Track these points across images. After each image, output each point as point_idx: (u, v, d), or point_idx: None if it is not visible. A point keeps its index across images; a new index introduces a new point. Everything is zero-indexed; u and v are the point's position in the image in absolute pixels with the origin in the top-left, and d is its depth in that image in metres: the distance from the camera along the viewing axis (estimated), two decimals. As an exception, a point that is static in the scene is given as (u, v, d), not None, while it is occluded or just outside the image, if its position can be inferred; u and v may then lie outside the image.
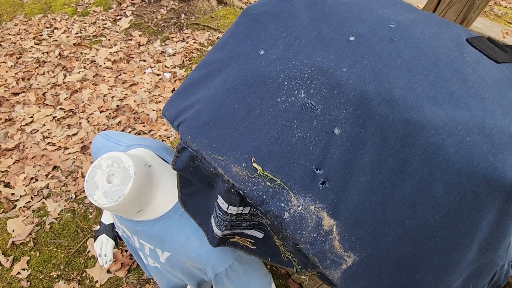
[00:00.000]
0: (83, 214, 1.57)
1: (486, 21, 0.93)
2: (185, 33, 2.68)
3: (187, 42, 2.58)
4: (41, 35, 2.63)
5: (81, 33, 2.66)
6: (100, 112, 2.06)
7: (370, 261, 0.38)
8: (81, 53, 2.47)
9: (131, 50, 2.51)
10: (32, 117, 2.01)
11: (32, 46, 2.51)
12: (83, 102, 2.12)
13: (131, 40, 2.60)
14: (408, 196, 0.35)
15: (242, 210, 0.49)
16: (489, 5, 3.36)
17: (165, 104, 0.52)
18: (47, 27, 2.72)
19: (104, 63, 2.39)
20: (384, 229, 0.37)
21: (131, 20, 2.79)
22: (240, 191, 0.42)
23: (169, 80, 2.28)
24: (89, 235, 1.49)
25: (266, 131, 0.41)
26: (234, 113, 0.42)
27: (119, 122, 1.99)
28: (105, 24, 2.76)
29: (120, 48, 2.53)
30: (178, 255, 0.77)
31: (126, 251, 1.45)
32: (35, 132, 1.92)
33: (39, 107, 2.07)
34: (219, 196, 0.48)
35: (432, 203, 0.34)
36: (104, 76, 2.30)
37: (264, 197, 0.41)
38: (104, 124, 1.98)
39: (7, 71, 2.30)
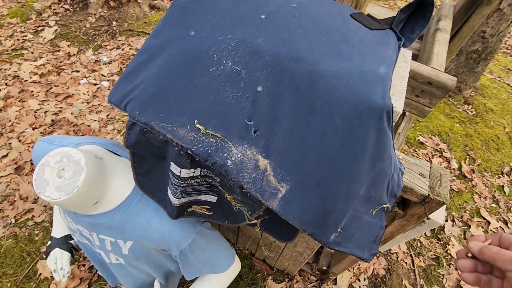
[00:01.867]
0: (28, 237, 1.45)
1: (383, 9, 1.16)
2: (119, 40, 2.60)
3: (122, 49, 2.51)
4: None
5: (-4, 47, 2.40)
6: (33, 129, 1.90)
7: (298, 187, 0.48)
8: (1, 69, 2.24)
9: (60, 62, 2.35)
10: None
11: None
12: (10, 121, 1.93)
13: (58, 51, 2.44)
14: (319, 129, 0.46)
15: (193, 173, 0.56)
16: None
17: (110, 92, 0.57)
18: (-48, 44, 2.40)
19: (30, 77, 2.20)
20: (305, 159, 0.47)
21: (56, 30, 2.60)
22: (189, 151, 0.49)
23: (108, 89, 2.20)
24: (38, 257, 1.39)
25: (205, 96, 0.49)
26: (176, 85, 0.50)
27: (57, 136, 1.86)
28: (25, 36, 2.53)
29: (47, 60, 2.35)
30: (141, 241, 0.80)
31: (84, 265, 1.39)
32: (-47, 160, 1.70)
33: (-46, 132, 1.83)
34: (171, 162, 0.55)
35: (335, 131, 0.46)
36: (32, 91, 2.12)
37: (209, 151, 0.48)
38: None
39: None
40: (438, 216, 1.33)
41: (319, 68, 0.46)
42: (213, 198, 0.66)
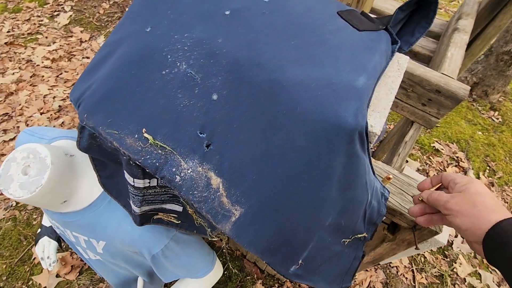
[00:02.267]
0: (26, 221, 1.49)
1: (398, 4, 1.04)
2: (131, 28, 2.59)
3: (133, 37, 2.50)
4: (-34, 35, 2.39)
5: (13, 31, 2.46)
6: (41, 114, 1.94)
7: (254, 211, 0.42)
8: (15, 52, 2.29)
9: (72, 48, 2.38)
10: (-40, 124, 1.84)
11: (-45, 47, 2.27)
12: (20, 104, 1.97)
13: (71, 36, 2.46)
14: (279, 148, 0.40)
15: (149, 183, 0.51)
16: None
17: (72, 89, 0.53)
18: (-27, 26, 2.47)
19: (42, 62, 2.24)
20: (262, 180, 0.41)
21: (71, 15, 2.63)
22: (136, 162, 0.44)
23: (116, 77, 2.20)
24: (33, 242, 1.42)
25: (155, 102, 0.43)
26: (125, 87, 0.44)
27: (62, 123, 1.89)
28: (41, 20, 2.57)
29: (60, 45, 2.38)
30: (113, 242, 0.77)
31: (76, 253, 1.41)
32: (-35, 140, 1.76)
33: (-32, 113, 1.90)
34: (124, 171, 0.50)
35: (297, 151, 0.39)
36: (43, 76, 2.16)
37: (157, 164, 0.43)
38: (46, 126, 1.87)
39: None
40: (442, 235, 1.22)
41: (282, 76, 0.40)
42: (178, 208, 0.61)
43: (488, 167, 2.00)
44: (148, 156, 0.43)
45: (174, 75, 0.43)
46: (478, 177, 1.92)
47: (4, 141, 1.78)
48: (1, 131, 1.83)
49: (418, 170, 1.90)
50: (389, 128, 2.11)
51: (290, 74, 0.40)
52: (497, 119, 2.31)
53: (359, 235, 0.49)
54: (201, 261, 0.83)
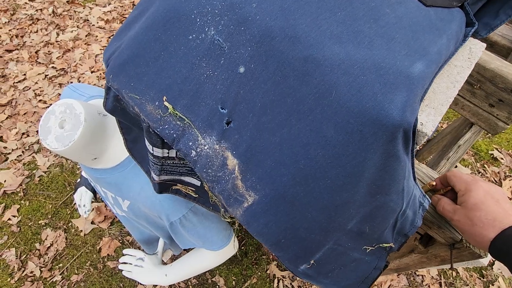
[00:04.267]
0: (71, 169, 1.63)
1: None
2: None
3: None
4: (35, -9, 2.57)
5: (75, -10, 2.58)
6: (91, 72, 2.06)
7: (268, 200, 0.39)
8: (75, 11, 2.43)
9: (125, 10, 2.44)
10: (24, 74, 2.03)
11: (26, 3, 2.46)
12: (75, 61, 2.11)
13: (125, -1, 2.53)
14: (303, 136, 0.35)
15: (168, 153, 0.50)
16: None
17: (105, 48, 0.52)
18: (42, -17, 2.65)
19: (97, 22, 2.34)
20: (280, 169, 0.37)
21: (127, -22, 2.68)
22: (155, 130, 0.42)
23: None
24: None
25: (178, 69, 0.40)
26: (150, 51, 0.42)
27: (109, 83, 1.99)
28: (100, -19, 2.66)
29: (114, 7, 2.46)
30: (137, 203, 0.80)
31: (110, 205, 1.52)
32: (27, 90, 1.95)
33: (32, 65, 2.08)
34: (144, 138, 0.49)
35: (323, 143, 0.34)
36: (97, 36, 2.26)
37: (175, 135, 0.41)
38: (95, 84, 1.99)
39: (1, 28, 2.28)
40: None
41: (318, 54, 0.34)
42: (196, 182, 0.60)
43: (556, 187, 1.72)
44: (166, 126, 0.41)
45: (201, 41, 0.39)
46: (541, 196, 1.67)
47: (59, 94, 1.93)
48: (57, 84, 1.99)
49: (467, 177, 1.70)
50: (441, 126, 1.89)
51: (329, 52, 0.34)
52: None
53: (385, 245, 0.44)
54: (217, 235, 0.84)
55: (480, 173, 1.73)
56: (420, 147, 1.76)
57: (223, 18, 0.38)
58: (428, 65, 0.34)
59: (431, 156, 1.54)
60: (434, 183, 0.55)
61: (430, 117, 0.34)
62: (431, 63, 0.35)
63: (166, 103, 0.41)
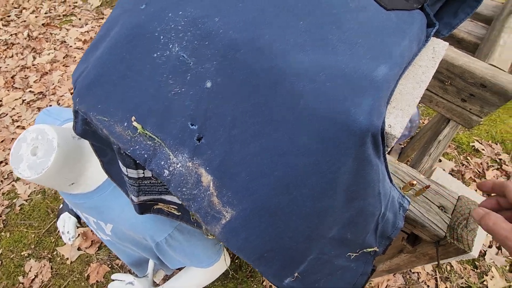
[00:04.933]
0: (54, 195, 1.57)
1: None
2: (158, 10, 2.58)
3: (160, 20, 2.50)
4: (9, 16, 2.53)
5: (50, 12, 2.56)
6: (71, 93, 2.02)
7: (247, 214, 0.38)
8: (51, 33, 2.39)
9: (103, 29, 2.43)
10: (1, 100, 1.97)
11: (-1, 28, 2.42)
12: (53, 84, 2.07)
13: (102, 18, 2.51)
14: (277, 146, 0.35)
15: (143, 174, 0.49)
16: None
17: (73, 70, 0.51)
18: (15, 7, 2.61)
19: (75, 43, 2.31)
20: (259, 180, 0.36)
21: (103, -3, 2.67)
22: (125, 152, 0.41)
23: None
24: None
25: (145, 88, 0.40)
26: (115, 71, 0.41)
27: (90, 103, 1.95)
28: (76, 2, 2.65)
29: (92, 27, 2.44)
30: (119, 226, 0.78)
31: (97, 229, 1.47)
32: (4, 116, 1.89)
33: (8, 90, 2.03)
34: (118, 159, 0.48)
35: (301, 151, 0.34)
36: (75, 57, 2.23)
37: (146, 156, 0.40)
38: (75, 105, 1.95)
39: (-26, 55, 2.23)
40: (474, 246, 1.10)
41: (284, 63, 0.34)
42: (178, 200, 0.58)
43: (536, 173, 1.77)
44: (137, 147, 0.40)
45: (166, 59, 0.39)
46: (524, 183, 1.71)
47: (38, 119, 1.88)
48: (36, 109, 1.94)
49: (452, 171, 1.74)
50: (423, 123, 1.94)
51: (294, 61, 0.34)
52: (554, 118, 2.03)
53: (369, 249, 0.43)
54: (204, 252, 0.81)
55: (464, 165, 1.77)
56: (405, 145, 1.79)
57: (187, 34, 0.38)
58: (391, 68, 0.35)
59: (415, 153, 1.56)
60: (414, 182, 0.55)
61: (398, 119, 0.34)
62: (394, 65, 0.35)
63: (135, 123, 0.40)
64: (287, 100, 0.34)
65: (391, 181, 0.40)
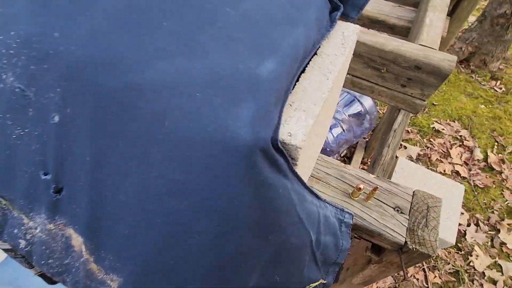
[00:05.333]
0: None
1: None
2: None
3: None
4: None
5: None
6: None
7: (136, 279, 0.29)
8: None
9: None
10: None
11: None
12: None
13: None
14: (151, 187, 0.26)
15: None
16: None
17: None
18: None
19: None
20: (138, 235, 0.27)
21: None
22: (-30, 223, 0.31)
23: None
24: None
25: None
26: None
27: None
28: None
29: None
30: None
31: None
32: None
33: None
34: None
35: (176, 189, 0.25)
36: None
37: (-5, 226, 0.30)
38: None
39: None
40: (449, 232, 1.07)
41: (139, 78, 0.25)
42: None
43: (496, 143, 1.82)
44: (-19, 215, 0.30)
45: (0, 94, 0.29)
46: (486, 155, 1.75)
47: None
48: None
49: (418, 155, 1.74)
50: (383, 113, 1.95)
51: (153, 72, 0.26)
52: (500, 88, 2.13)
53: (313, 285, 0.35)
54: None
55: (429, 148, 1.78)
56: (368, 138, 1.77)
57: (20, 58, 0.29)
58: (281, 61, 0.28)
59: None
60: (361, 186, 0.49)
61: (300, 123, 0.27)
62: (285, 57, 0.28)
63: (-28, 185, 0.30)
64: (147, 124, 0.25)
65: (318, 198, 0.33)
